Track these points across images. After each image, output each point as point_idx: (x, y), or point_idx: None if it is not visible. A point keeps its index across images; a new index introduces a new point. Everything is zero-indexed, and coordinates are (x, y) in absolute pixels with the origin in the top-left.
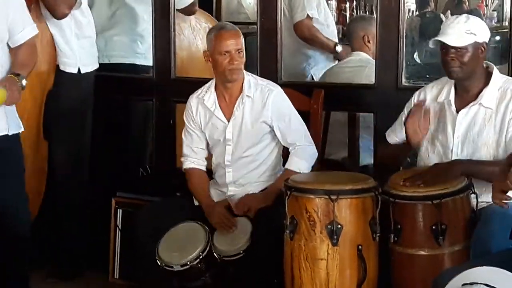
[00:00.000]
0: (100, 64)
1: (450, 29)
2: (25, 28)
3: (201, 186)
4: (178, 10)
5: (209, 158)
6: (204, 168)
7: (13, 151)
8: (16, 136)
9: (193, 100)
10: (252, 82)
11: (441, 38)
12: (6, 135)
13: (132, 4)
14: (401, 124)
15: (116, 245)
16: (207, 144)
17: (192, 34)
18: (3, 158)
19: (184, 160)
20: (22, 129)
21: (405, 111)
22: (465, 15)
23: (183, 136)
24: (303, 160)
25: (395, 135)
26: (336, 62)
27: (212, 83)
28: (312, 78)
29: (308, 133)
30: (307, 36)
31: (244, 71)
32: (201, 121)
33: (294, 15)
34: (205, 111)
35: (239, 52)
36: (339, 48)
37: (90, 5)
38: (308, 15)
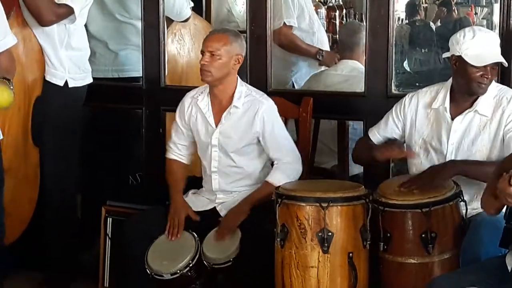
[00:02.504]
0: (110, 78)
1: (492, 47)
2: (6, 37)
3: (176, 179)
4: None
5: (199, 166)
6: (185, 161)
7: None
8: None
9: (187, 98)
10: (244, 93)
11: (494, 58)
12: None
13: (132, 17)
14: (386, 122)
15: (106, 254)
16: (192, 142)
17: (192, 40)
18: None
19: (168, 149)
20: (1, 137)
21: (393, 112)
22: (485, 30)
23: (172, 130)
24: (284, 175)
25: (378, 132)
26: (321, 68)
27: (207, 86)
28: (293, 85)
29: (296, 150)
30: (284, 43)
31: (240, 81)
32: (190, 119)
33: (272, 24)
34: (197, 111)
35: (212, 55)
36: (320, 56)
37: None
38: (285, 23)
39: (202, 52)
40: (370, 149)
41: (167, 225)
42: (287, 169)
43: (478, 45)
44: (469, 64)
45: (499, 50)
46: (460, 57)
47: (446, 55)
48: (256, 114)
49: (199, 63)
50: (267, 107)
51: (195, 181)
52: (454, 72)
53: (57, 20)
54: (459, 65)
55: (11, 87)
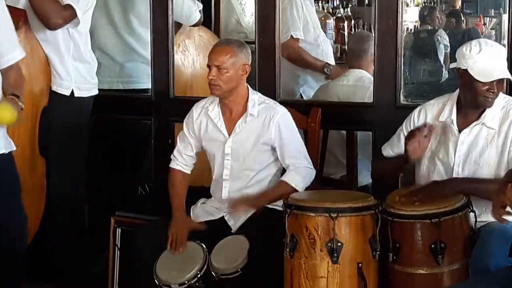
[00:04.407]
0: (115, 90)
1: (498, 62)
2: (16, 50)
3: (178, 189)
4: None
5: (207, 176)
6: (188, 172)
7: (8, 170)
8: (10, 154)
9: (197, 108)
10: (257, 101)
11: (500, 74)
12: (3, 154)
13: (139, 30)
14: (398, 138)
15: (115, 264)
16: (198, 153)
17: (196, 51)
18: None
19: (172, 159)
20: (14, 148)
21: (403, 127)
22: (492, 44)
23: (177, 139)
24: (299, 176)
25: (391, 149)
26: (328, 81)
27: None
28: (301, 97)
29: (308, 157)
30: (292, 57)
31: (251, 90)
32: (200, 129)
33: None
34: (207, 121)
35: (219, 69)
36: (328, 70)
37: (93, 32)
38: (292, 36)
39: (209, 66)
40: (396, 157)
41: (168, 240)
42: (303, 172)
43: (484, 60)
44: (475, 79)
45: (505, 64)
46: (466, 70)
47: (453, 65)
48: (271, 121)
49: (207, 78)
50: (282, 114)
51: (203, 191)
52: (461, 84)
53: (63, 23)
54: (465, 79)
55: (20, 104)
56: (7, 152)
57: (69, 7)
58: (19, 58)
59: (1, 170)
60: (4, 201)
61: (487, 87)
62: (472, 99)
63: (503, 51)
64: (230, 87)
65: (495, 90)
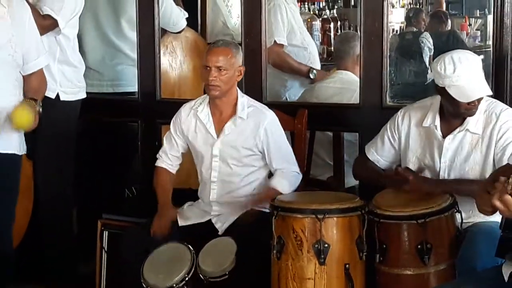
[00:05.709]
0: (105, 93)
1: (475, 80)
2: (40, 57)
3: (164, 185)
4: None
5: (194, 178)
6: (173, 171)
7: (15, 171)
8: (21, 157)
9: (185, 108)
10: (247, 104)
11: (479, 94)
12: (15, 155)
13: (129, 33)
14: (382, 141)
15: (102, 267)
16: (183, 154)
17: (183, 52)
18: (5, 177)
19: (158, 158)
20: (25, 151)
21: (388, 130)
22: (466, 58)
23: (164, 139)
24: (286, 181)
25: (375, 151)
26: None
27: (206, 97)
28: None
29: (295, 160)
30: (276, 61)
31: (239, 92)
32: (189, 130)
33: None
34: (196, 121)
35: (219, 70)
36: (312, 75)
37: (81, 35)
38: (275, 42)
39: (206, 67)
40: (377, 174)
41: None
42: (289, 176)
43: (461, 80)
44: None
45: (483, 78)
46: (444, 89)
47: (431, 76)
48: (260, 124)
49: (207, 79)
50: (271, 119)
51: (190, 194)
52: (441, 97)
53: (42, 33)
54: (445, 95)
55: (38, 108)
56: (21, 154)
57: (48, 17)
58: (43, 65)
59: (8, 170)
60: (5, 203)
61: (473, 103)
62: (454, 111)
63: (478, 64)
64: (228, 88)
65: (477, 103)
